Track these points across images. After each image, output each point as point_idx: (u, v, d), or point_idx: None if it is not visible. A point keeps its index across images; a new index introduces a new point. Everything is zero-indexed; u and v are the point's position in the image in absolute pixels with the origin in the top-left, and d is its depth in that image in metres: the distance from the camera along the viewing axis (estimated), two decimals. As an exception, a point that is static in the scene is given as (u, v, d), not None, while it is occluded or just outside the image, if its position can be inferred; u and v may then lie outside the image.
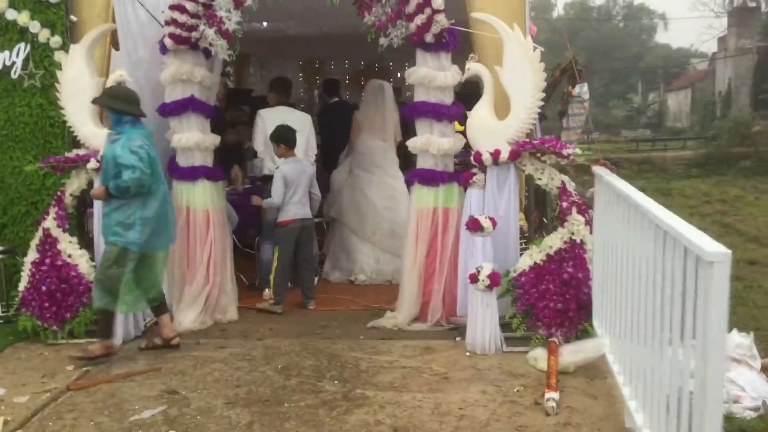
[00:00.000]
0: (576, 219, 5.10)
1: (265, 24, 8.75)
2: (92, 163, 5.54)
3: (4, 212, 6.05)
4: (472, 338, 4.98)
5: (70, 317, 5.35)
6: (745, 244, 9.45)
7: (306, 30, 9.00)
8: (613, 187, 4.22)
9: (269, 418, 4.02)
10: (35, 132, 5.98)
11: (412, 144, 5.64)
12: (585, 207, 5.21)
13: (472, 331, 4.98)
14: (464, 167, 5.78)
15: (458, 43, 5.53)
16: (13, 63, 5.98)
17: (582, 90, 8.63)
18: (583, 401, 4.13)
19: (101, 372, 4.79)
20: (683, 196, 15.83)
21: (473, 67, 5.36)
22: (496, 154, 5.25)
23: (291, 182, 6.16)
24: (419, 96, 5.58)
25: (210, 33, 5.57)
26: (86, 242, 5.70)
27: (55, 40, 5.94)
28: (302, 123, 6.83)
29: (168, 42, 5.64)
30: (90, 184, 5.66)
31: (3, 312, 5.89)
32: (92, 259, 5.52)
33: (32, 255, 5.50)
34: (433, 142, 5.53)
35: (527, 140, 5.27)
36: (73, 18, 5.97)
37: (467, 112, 5.59)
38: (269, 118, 6.69)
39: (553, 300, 4.95)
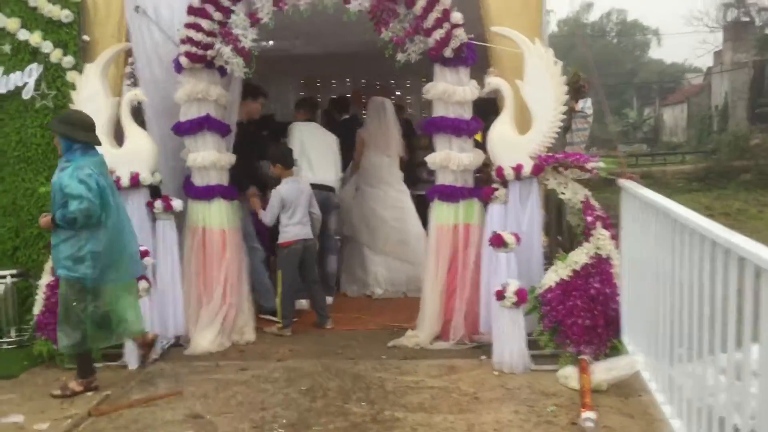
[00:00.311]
0: (601, 234, 5.03)
1: (271, 43, 8.72)
2: (107, 184, 5.45)
3: (17, 235, 5.95)
4: (499, 357, 4.88)
5: (87, 341, 5.23)
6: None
7: (309, 49, 8.95)
8: (647, 200, 4.15)
9: (299, 442, 3.92)
10: (47, 153, 5.89)
11: (431, 160, 5.58)
12: (610, 222, 5.15)
13: (499, 349, 4.88)
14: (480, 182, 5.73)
15: (477, 58, 5.48)
16: (25, 84, 5.91)
17: (585, 105, 8.64)
18: (621, 421, 4.03)
19: (122, 397, 4.67)
20: (686, 211, 15.75)
21: (493, 81, 5.31)
22: (518, 169, 5.18)
23: (289, 203, 6.04)
24: (438, 111, 5.52)
25: (226, 51, 5.52)
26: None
27: (68, 60, 5.88)
28: (332, 141, 7.09)
29: (183, 60, 5.58)
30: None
31: (17, 336, 5.76)
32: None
33: (47, 278, 5.39)
34: (453, 158, 5.47)
35: (550, 154, 5.21)
36: (85, 38, 5.92)
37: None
38: (305, 131, 6.90)
39: (581, 316, 4.86)
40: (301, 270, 6.18)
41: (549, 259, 5.65)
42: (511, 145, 5.24)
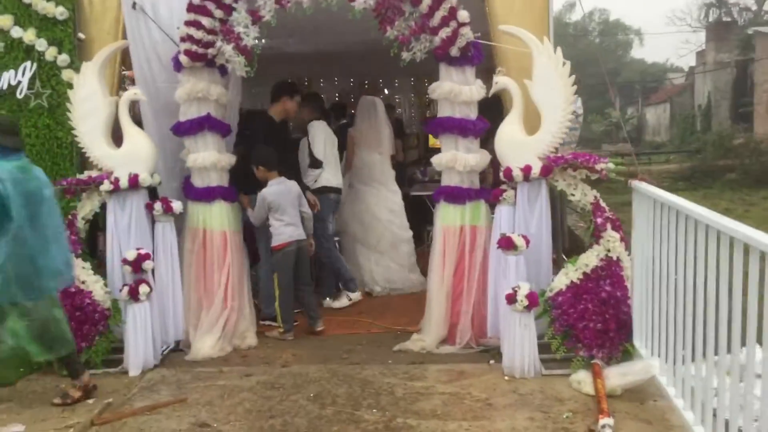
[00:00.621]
0: (611, 236, 4.97)
1: (263, 41, 8.58)
2: (106, 185, 5.32)
3: (12, 237, 5.78)
4: (509, 361, 4.79)
5: (86, 346, 5.09)
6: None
7: (300, 48, 8.82)
8: (663, 200, 4.09)
9: (312, 451, 3.82)
10: (42, 154, 5.74)
11: (437, 161, 5.49)
12: (619, 224, 5.09)
13: (510, 354, 4.79)
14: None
15: (483, 57, 5.40)
16: (19, 82, 5.76)
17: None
18: (638, 427, 3.96)
19: (124, 404, 4.54)
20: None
21: (501, 81, 5.23)
22: (527, 170, 5.10)
23: (276, 205, 5.89)
24: (444, 111, 5.43)
25: (228, 49, 5.39)
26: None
27: (63, 59, 5.74)
28: (336, 142, 7.07)
29: (183, 59, 5.45)
30: (103, 207, 5.45)
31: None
32: (106, 285, 5.30)
33: (44, 282, 5.24)
34: (459, 159, 5.38)
35: (559, 155, 5.14)
36: (81, 35, 5.78)
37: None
38: (325, 130, 6.89)
39: (593, 320, 4.79)
40: (293, 271, 6.05)
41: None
42: (519, 145, 5.16)
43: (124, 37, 5.69)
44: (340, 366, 5.12)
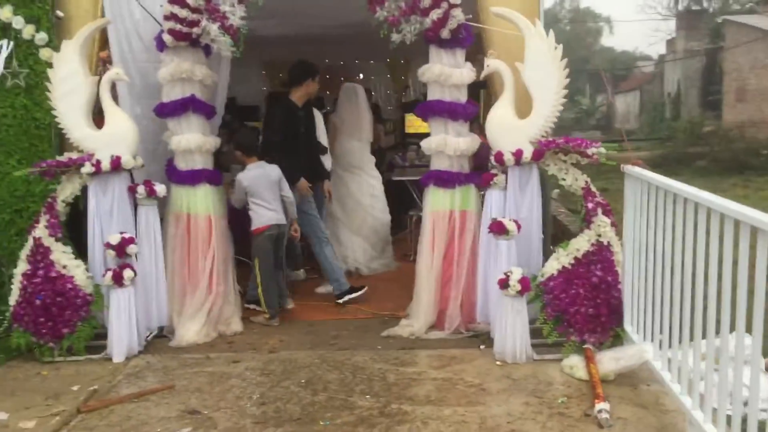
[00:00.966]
0: (602, 221, 4.94)
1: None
2: (87, 167, 5.17)
3: (-14, 221, 5.62)
4: (501, 347, 4.76)
5: (68, 332, 4.96)
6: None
7: (275, 31, 8.66)
8: (658, 184, 4.08)
9: (307, 438, 3.76)
10: (19, 135, 5.54)
11: (426, 145, 5.43)
12: (609, 208, 5.07)
13: (501, 339, 4.76)
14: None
15: (473, 39, 5.34)
16: (-5, 61, 5.56)
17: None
18: (634, 412, 3.95)
19: (110, 392, 4.43)
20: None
21: (493, 63, 5.16)
22: (518, 154, 5.05)
23: (253, 190, 5.82)
24: (433, 94, 5.36)
25: (213, 29, 5.25)
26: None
27: (41, 37, 5.53)
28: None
29: (167, 38, 5.30)
30: (84, 189, 5.30)
31: (-9, 328, 5.44)
32: (88, 270, 5.17)
33: (23, 266, 5.09)
34: (450, 143, 5.32)
35: (550, 139, 5.10)
36: (59, 13, 5.58)
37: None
38: (321, 118, 6.94)
39: (584, 305, 4.78)
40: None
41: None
42: (511, 129, 5.11)
43: (104, 15, 5.52)
44: (329, 352, 5.06)
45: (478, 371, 4.61)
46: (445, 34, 5.17)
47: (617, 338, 4.78)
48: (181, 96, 5.41)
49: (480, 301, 5.24)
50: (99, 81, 5.29)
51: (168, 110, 5.44)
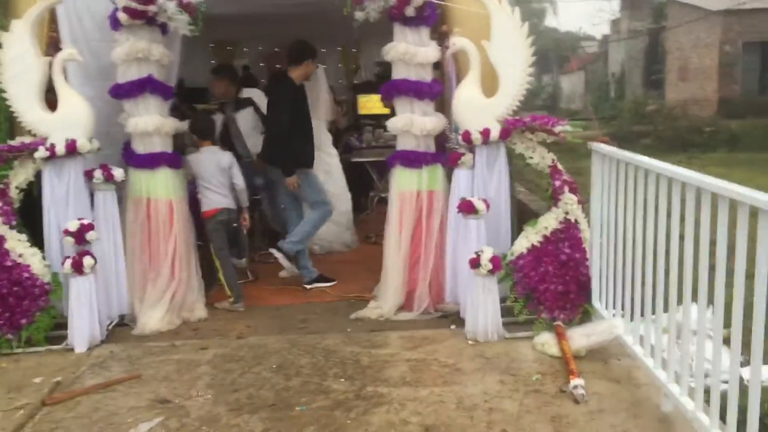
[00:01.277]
0: (569, 198, 4.97)
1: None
2: (41, 152, 4.96)
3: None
4: (473, 326, 4.75)
5: (27, 323, 4.78)
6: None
7: (223, 9, 8.43)
8: (627, 160, 4.12)
9: (284, 424, 3.68)
10: (-34, 119, 5.33)
11: (392, 125, 5.36)
12: (576, 186, 5.10)
13: (473, 318, 4.75)
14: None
15: (437, 17, 5.28)
16: (-62, 41, 5.28)
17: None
18: (608, 386, 3.98)
19: (74, 383, 4.29)
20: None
21: (459, 42, 5.11)
22: (486, 133, 5.02)
23: (196, 173, 5.74)
24: (398, 73, 5.29)
25: (170, 6, 5.08)
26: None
27: (-13, 16, 5.31)
28: None
29: (122, 16, 5.10)
30: (38, 174, 5.09)
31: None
32: (44, 258, 4.98)
33: (-15, 259, 4.89)
34: (416, 122, 5.26)
35: (517, 118, 5.08)
36: (7, -9, 5.35)
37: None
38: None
39: (554, 282, 4.81)
40: None
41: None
42: (478, 108, 5.07)
43: (54, -8, 5.29)
44: (299, 336, 4.98)
45: (451, 351, 4.59)
46: (409, 11, 5.10)
47: (586, 314, 4.83)
48: (137, 76, 5.23)
49: (449, 281, 5.22)
50: (51, 62, 5.07)
51: (124, 91, 5.26)
